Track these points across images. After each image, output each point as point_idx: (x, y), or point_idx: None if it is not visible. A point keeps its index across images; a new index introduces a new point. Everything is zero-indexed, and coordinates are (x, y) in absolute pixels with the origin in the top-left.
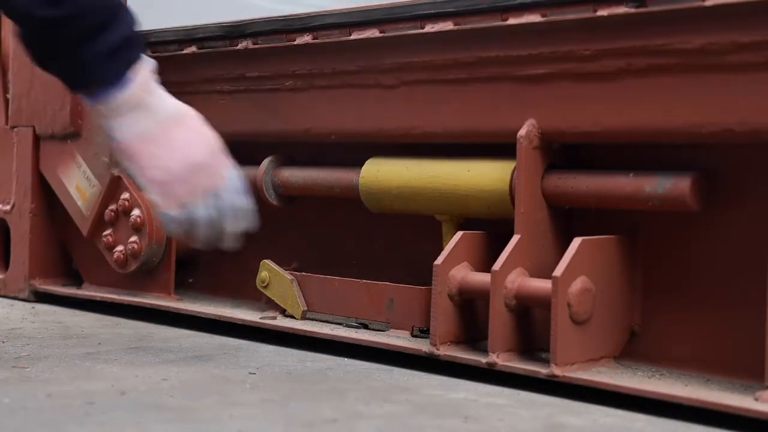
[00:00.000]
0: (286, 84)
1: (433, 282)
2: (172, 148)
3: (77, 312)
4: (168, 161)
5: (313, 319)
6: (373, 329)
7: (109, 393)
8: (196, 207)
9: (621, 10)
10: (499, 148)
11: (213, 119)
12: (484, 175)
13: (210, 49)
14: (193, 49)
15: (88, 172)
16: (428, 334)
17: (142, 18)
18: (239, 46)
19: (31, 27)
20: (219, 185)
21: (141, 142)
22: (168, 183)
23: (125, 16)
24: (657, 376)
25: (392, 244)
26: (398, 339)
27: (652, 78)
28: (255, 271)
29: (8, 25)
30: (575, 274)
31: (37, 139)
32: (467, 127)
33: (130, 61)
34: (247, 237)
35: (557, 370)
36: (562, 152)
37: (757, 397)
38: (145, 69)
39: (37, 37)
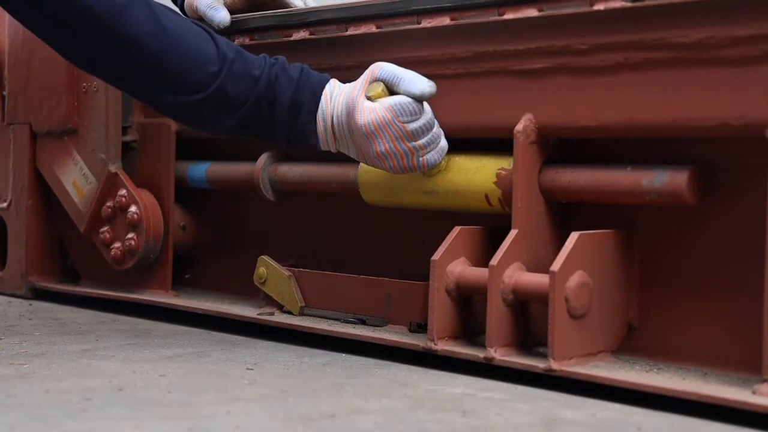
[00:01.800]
0: None
1: (430, 277)
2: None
3: (74, 309)
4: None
5: (310, 315)
6: (371, 325)
7: (106, 389)
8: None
9: (617, 4)
10: (497, 143)
11: None
12: (465, 171)
13: None
14: None
15: (85, 169)
16: (426, 329)
17: None
18: (236, 42)
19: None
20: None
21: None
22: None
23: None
24: (655, 370)
25: (390, 239)
26: (396, 334)
27: (649, 72)
28: (252, 267)
29: (4, 21)
30: (573, 269)
31: (33, 136)
32: (464, 122)
33: (322, 80)
34: (245, 233)
35: (555, 365)
36: (559, 147)
37: (754, 390)
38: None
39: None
